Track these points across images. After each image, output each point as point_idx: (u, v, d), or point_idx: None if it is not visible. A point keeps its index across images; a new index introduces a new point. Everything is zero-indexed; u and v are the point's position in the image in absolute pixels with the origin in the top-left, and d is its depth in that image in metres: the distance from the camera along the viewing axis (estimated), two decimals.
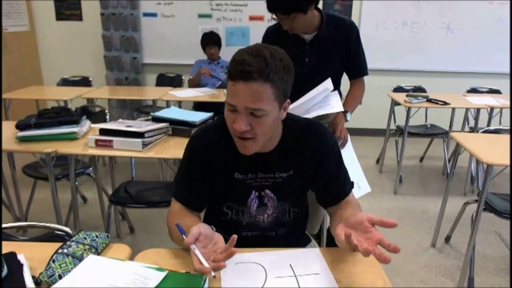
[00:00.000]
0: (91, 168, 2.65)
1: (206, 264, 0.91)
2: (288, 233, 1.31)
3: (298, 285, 0.98)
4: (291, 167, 1.22)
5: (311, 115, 1.87)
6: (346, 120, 2.02)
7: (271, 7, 1.83)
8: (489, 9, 4.47)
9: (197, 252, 0.94)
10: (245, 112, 1.03)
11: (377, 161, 4.07)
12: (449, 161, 3.76)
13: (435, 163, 4.13)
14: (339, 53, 2.03)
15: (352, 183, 1.29)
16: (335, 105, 1.90)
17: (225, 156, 1.20)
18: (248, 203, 1.24)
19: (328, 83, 1.87)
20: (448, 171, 3.68)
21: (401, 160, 3.42)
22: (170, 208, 1.24)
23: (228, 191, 1.24)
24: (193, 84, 3.88)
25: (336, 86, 2.10)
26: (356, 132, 4.78)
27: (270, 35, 2.09)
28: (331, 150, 1.24)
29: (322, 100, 1.91)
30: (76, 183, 2.42)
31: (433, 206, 3.12)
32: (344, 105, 2.03)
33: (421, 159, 4.19)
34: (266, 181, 1.22)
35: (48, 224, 1.24)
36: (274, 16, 1.88)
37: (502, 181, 3.61)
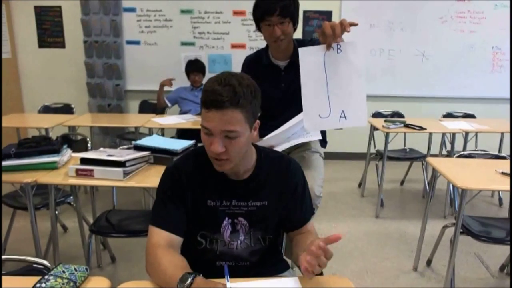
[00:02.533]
0: (71, 197, 2.62)
1: None
2: (263, 261, 1.34)
3: None
4: (264, 198, 1.27)
5: (290, 143, 1.92)
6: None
7: (269, 10, 1.87)
8: (461, 37, 4.68)
9: None
10: (220, 135, 1.11)
11: (359, 185, 4.13)
12: (428, 184, 3.84)
13: (415, 186, 4.21)
14: None
15: (313, 210, 1.39)
16: (313, 134, 1.96)
17: (199, 183, 1.25)
18: (221, 230, 1.27)
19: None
20: (428, 194, 3.75)
21: (381, 184, 3.49)
22: (150, 240, 1.21)
23: (201, 218, 1.27)
24: (159, 102, 4.03)
25: None
26: (337, 156, 4.88)
27: (249, 63, 2.22)
28: (300, 179, 1.33)
29: (301, 130, 1.96)
30: (56, 212, 2.39)
31: (414, 229, 3.17)
32: None
33: (402, 182, 4.27)
34: (239, 209, 1.26)
35: (26, 258, 1.23)
36: (261, 24, 1.91)
37: (479, 202, 3.70)
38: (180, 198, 1.24)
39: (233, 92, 1.08)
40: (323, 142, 2.27)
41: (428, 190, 3.65)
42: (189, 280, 1.00)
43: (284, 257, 1.48)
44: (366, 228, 3.24)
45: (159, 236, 1.21)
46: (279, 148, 1.91)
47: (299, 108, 1.56)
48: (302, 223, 1.34)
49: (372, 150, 3.86)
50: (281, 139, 1.94)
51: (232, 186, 1.25)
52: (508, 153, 3.67)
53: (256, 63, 2.18)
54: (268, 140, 1.95)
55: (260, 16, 1.92)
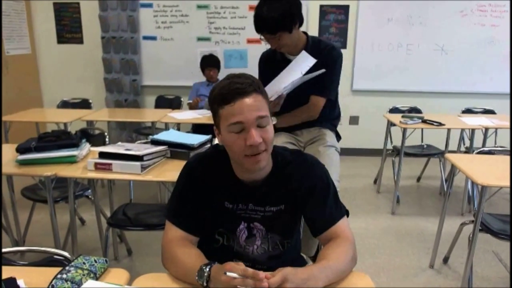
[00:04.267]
0: (89, 191, 2.67)
1: None
2: (282, 265, 1.30)
3: None
4: (282, 201, 1.23)
5: (291, 81, 1.94)
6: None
7: (258, 28, 1.97)
8: (481, 31, 4.57)
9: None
10: (253, 125, 1.07)
11: (375, 181, 4.09)
12: (445, 181, 3.79)
13: (432, 183, 4.15)
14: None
15: (346, 212, 1.28)
16: (306, 63, 1.96)
17: (217, 184, 1.23)
18: (237, 233, 1.25)
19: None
20: (445, 191, 3.70)
21: (398, 180, 3.45)
22: (166, 235, 1.22)
23: (218, 219, 1.25)
24: (192, 108, 3.94)
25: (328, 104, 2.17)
26: (353, 152, 4.85)
27: (265, 59, 2.28)
28: (320, 179, 1.25)
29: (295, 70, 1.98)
30: (75, 205, 2.44)
31: (431, 226, 3.13)
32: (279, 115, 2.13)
33: (418, 179, 4.22)
34: (256, 214, 1.23)
35: (47, 249, 1.26)
36: (262, 36, 1.97)
37: (498, 200, 3.63)
38: (197, 198, 1.23)
39: (250, 80, 1.10)
40: (337, 137, 2.26)
41: (445, 187, 3.60)
42: (206, 272, 1.01)
43: (301, 253, 1.47)
44: (382, 224, 3.21)
45: (176, 233, 1.22)
46: (282, 87, 1.93)
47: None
48: (327, 225, 1.22)
49: (389, 146, 3.82)
50: (281, 83, 1.97)
51: (249, 190, 1.22)
52: None
53: (271, 58, 2.21)
54: (273, 86, 1.98)
55: (256, 31, 2.00)
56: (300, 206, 1.25)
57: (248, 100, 1.07)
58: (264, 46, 2.12)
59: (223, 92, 1.09)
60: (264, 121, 1.09)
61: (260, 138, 1.08)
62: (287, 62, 2.09)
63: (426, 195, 3.87)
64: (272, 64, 2.15)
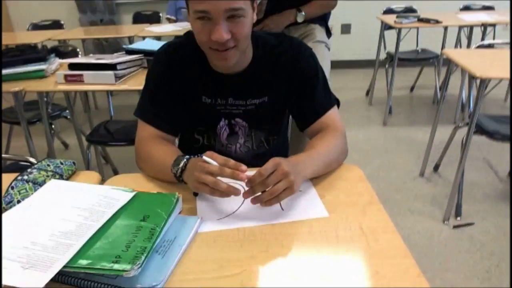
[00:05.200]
0: (67, 111, 2.53)
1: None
2: None
3: (280, 203, 0.90)
4: (265, 93, 1.10)
5: None
6: (296, 21, 1.89)
7: None
8: None
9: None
10: (221, 17, 0.90)
11: (367, 93, 3.97)
12: (440, 89, 3.67)
13: (425, 92, 4.03)
14: None
15: (337, 100, 1.16)
16: None
17: (193, 77, 1.09)
18: (217, 131, 1.14)
19: None
20: (439, 99, 3.60)
21: (391, 90, 3.33)
22: (138, 134, 1.10)
23: (196, 115, 1.13)
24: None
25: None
26: (345, 64, 4.66)
27: None
28: (307, 64, 1.10)
29: None
30: (53, 126, 2.32)
31: (422, 135, 3.07)
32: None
33: (412, 89, 4.09)
34: (237, 109, 1.11)
35: (9, 155, 1.15)
36: None
37: (492, 105, 3.56)
38: (170, 92, 1.09)
39: None
40: (328, 33, 2.08)
41: (439, 95, 3.50)
42: (183, 161, 0.91)
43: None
44: (373, 135, 3.15)
45: (149, 131, 1.09)
46: None
47: None
48: (315, 116, 1.10)
49: (382, 55, 3.63)
50: None
51: (228, 83, 1.08)
52: None
53: None
54: None
55: None
56: (285, 96, 1.12)
57: None
58: None
59: None
60: (238, 13, 0.90)
61: (228, 34, 0.91)
62: None
63: (419, 104, 3.79)
64: None
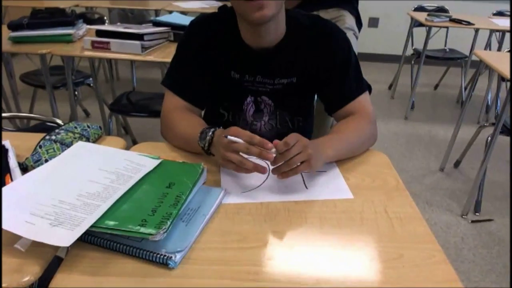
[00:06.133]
0: (90, 78, 2.54)
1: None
2: None
3: (303, 180, 0.90)
4: (294, 73, 1.08)
5: None
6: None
7: None
8: None
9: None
10: None
11: (389, 87, 3.91)
12: (465, 89, 3.60)
13: (450, 91, 3.95)
14: None
15: (369, 86, 1.14)
16: None
17: (224, 50, 1.07)
18: (243, 107, 1.13)
19: None
20: (464, 99, 3.53)
21: (415, 85, 3.26)
22: (165, 104, 1.10)
23: (223, 90, 1.12)
24: None
25: None
26: (370, 57, 4.59)
27: None
28: (340, 48, 1.08)
29: None
30: (76, 93, 2.33)
31: (444, 132, 3.02)
32: None
33: (436, 87, 4.02)
34: (264, 87, 1.10)
35: (36, 115, 1.16)
36: None
37: None
38: (200, 64, 1.08)
39: None
40: (358, 23, 2.03)
41: (464, 96, 3.43)
42: (209, 134, 0.91)
43: None
44: (394, 128, 3.10)
45: (177, 101, 1.09)
46: None
47: None
48: (345, 101, 1.08)
49: (409, 51, 3.56)
50: None
51: (257, 60, 1.06)
52: None
53: None
54: None
55: None
56: (315, 79, 1.10)
57: None
58: None
59: None
60: None
61: None
62: None
63: (442, 102, 3.71)
64: None
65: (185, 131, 1.00)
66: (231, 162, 0.83)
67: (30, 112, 2.77)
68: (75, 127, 1.05)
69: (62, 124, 1.14)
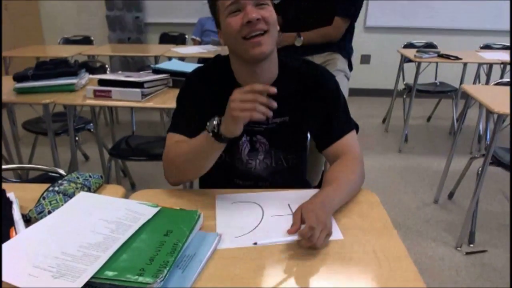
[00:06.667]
0: (91, 124, 2.62)
1: None
2: (284, 181, 1.23)
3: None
4: (286, 113, 1.15)
5: None
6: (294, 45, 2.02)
7: None
8: None
9: None
10: (250, 3, 0.99)
11: (383, 121, 4.00)
12: (457, 120, 3.68)
13: (442, 123, 4.04)
14: None
15: (356, 125, 1.21)
16: None
17: (219, 94, 1.14)
18: (239, 147, 1.19)
19: None
20: (455, 130, 3.60)
21: (407, 119, 3.35)
22: (166, 143, 1.15)
23: None
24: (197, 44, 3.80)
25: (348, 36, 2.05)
26: (363, 92, 4.72)
27: None
28: (330, 90, 1.16)
29: None
30: (77, 138, 2.40)
31: (437, 164, 3.07)
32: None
33: (428, 119, 4.10)
34: (259, 126, 1.16)
35: (40, 166, 1.22)
36: None
37: (508, 137, 3.52)
38: (199, 105, 1.15)
39: None
40: (349, 66, 2.14)
41: (456, 126, 3.50)
42: (216, 119, 0.96)
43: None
44: (388, 162, 3.16)
45: (179, 138, 1.13)
46: None
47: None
48: (334, 139, 1.15)
49: (401, 85, 3.67)
50: None
51: None
52: None
53: None
54: None
55: None
56: (306, 117, 1.17)
57: None
58: None
59: None
60: (263, 1, 1.00)
61: (259, 15, 0.98)
62: None
63: (435, 134, 3.78)
64: None
65: (190, 143, 1.06)
66: (246, 109, 0.89)
67: (31, 157, 2.83)
68: (77, 177, 1.10)
69: (65, 174, 1.20)
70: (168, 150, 1.12)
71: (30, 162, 2.84)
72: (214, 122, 0.96)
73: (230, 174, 1.23)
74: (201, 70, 1.18)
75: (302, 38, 1.99)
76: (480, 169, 2.07)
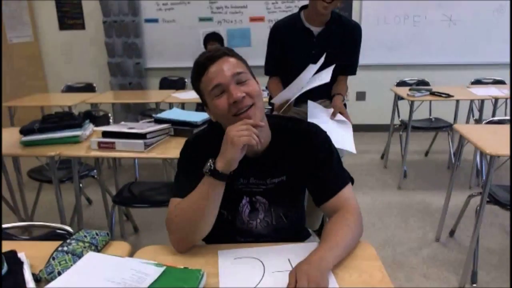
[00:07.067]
0: (95, 171, 2.68)
1: None
2: (285, 236, 1.25)
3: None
4: (283, 173, 1.21)
5: (303, 90, 1.92)
6: (343, 101, 2.16)
7: None
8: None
9: None
10: (232, 82, 1.07)
11: (382, 157, 4.06)
12: (454, 155, 3.74)
13: (440, 157, 4.10)
14: (343, 49, 2.14)
15: (351, 179, 1.24)
16: (324, 77, 1.93)
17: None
18: (239, 209, 1.23)
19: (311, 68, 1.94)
20: (453, 166, 3.65)
21: (405, 155, 3.41)
22: (169, 208, 1.18)
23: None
24: None
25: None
26: (360, 128, 4.77)
27: (280, 27, 2.20)
28: (322, 147, 1.21)
29: (314, 76, 1.94)
30: (81, 185, 2.45)
31: (437, 200, 3.10)
32: (336, 91, 2.18)
33: (426, 154, 4.17)
34: (258, 187, 1.21)
35: (48, 224, 1.26)
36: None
37: (507, 172, 3.57)
38: (198, 175, 1.16)
39: (219, 48, 1.14)
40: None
41: (453, 161, 3.55)
42: (209, 161, 1.08)
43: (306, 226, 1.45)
44: (388, 199, 3.19)
45: (180, 200, 1.16)
46: (293, 95, 1.93)
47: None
48: (330, 194, 1.18)
49: (396, 121, 3.77)
50: (294, 90, 1.95)
51: (249, 164, 1.16)
52: None
53: (288, 27, 2.18)
54: (282, 94, 2.01)
55: None
56: (302, 175, 1.22)
57: (220, 63, 1.08)
58: (268, 24, 2.08)
59: (196, 66, 1.11)
60: (242, 76, 1.09)
61: (242, 93, 1.06)
62: (307, 32, 2.11)
63: (434, 169, 3.83)
64: (289, 33, 2.15)
65: (189, 196, 1.12)
66: (243, 136, 1.02)
67: (35, 204, 2.88)
68: (85, 236, 1.14)
69: (72, 232, 1.24)
70: (170, 212, 1.17)
71: (34, 209, 2.88)
72: (208, 164, 1.06)
73: (231, 232, 1.25)
74: (199, 136, 1.26)
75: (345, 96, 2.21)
76: (478, 207, 2.11)
